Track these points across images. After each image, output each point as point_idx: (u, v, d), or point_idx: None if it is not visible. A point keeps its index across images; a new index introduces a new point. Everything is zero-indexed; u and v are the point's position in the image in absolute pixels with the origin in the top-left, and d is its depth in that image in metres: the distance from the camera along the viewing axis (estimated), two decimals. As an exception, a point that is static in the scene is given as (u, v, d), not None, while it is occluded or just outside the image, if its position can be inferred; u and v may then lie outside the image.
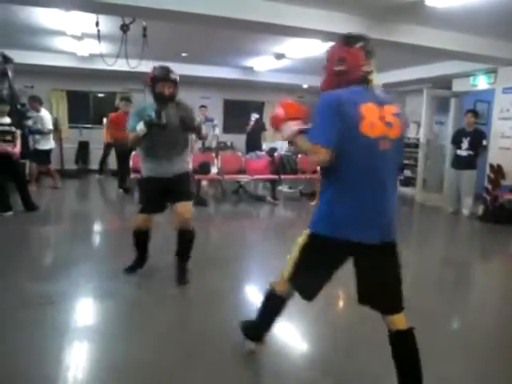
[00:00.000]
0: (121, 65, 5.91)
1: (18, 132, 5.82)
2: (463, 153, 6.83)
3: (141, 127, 3.01)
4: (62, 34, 6.70)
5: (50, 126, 7.55)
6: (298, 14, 5.08)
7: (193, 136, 8.96)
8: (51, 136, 7.68)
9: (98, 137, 10.07)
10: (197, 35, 6.73)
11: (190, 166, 3.82)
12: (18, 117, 6.67)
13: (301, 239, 1.95)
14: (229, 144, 10.51)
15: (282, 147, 8.45)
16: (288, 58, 8.11)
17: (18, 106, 7.26)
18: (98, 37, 5.59)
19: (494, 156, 7.16)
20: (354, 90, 1.81)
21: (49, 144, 7.60)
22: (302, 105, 1.98)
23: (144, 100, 8.14)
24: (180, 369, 2.28)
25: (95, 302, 3.14)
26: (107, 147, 8.94)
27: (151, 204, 3.42)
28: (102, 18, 5.48)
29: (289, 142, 2.26)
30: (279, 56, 8.05)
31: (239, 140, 10.42)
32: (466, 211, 6.88)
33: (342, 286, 3.72)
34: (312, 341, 2.73)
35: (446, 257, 5.03)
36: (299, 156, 7.95)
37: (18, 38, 7.27)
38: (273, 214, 6.94)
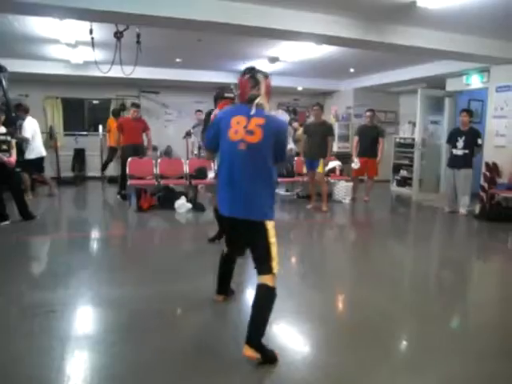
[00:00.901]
0: (115, 71, 5.90)
1: (14, 141, 5.81)
2: (459, 152, 6.86)
3: None
4: (56, 42, 6.71)
5: (27, 134, 7.06)
6: (291, 17, 5.11)
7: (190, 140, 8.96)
8: (36, 145, 7.30)
9: (93, 144, 10.09)
10: (190, 41, 6.75)
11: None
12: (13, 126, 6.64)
13: None
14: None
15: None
16: (282, 61, 8.14)
17: (13, 115, 7.23)
18: (92, 44, 5.60)
19: (489, 154, 7.20)
20: (238, 106, 2.57)
21: (33, 153, 7.23)
22: None
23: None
24: (180, 377, 2.28)
25: (96, 311, 3.13)
26: (112, 152, 8.97)
27: None
28: (96, 26, 5.49)
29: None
30: (273, 59, 8.08)
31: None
32: (463, 210, 6.91)
33: (342, 290, 3.73)
34: (313, 343, 2.72)
35: (443, 256, 5.04)
36: (295, 159, 7.97)
37: (12, 47, 7.27)
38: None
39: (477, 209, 6.78)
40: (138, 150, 7.39)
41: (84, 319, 3.02)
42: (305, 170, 7.31)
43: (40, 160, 7.45)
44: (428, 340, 2.75)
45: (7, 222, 5.44)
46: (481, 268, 4.77)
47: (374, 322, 2.99)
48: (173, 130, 10.82)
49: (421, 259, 4.73)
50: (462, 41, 6.02)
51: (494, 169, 7.01)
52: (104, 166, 9.68)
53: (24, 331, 2.69)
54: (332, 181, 8.00)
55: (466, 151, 6.79)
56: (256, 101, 2.45)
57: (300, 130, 7.84)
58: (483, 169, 7.15)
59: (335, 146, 9.45)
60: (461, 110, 7.29)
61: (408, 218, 7.56)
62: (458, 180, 6.88)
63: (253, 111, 2.42)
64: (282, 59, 7.93)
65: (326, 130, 6.81)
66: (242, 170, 2.40)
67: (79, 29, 5.78)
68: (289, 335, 2.80)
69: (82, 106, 10.65)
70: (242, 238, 2.58)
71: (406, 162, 9.26)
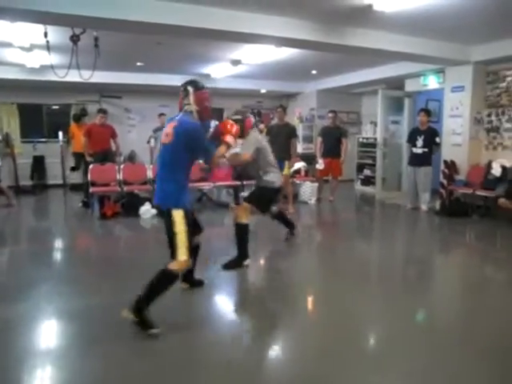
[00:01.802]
0: (74, 76, 5.74)
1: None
2: (418, 150, 7.08)
3: None
4: (9, 45, 6.45)
5: None
6: (251, 20, 5.12)
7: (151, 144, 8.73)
8: None
9: (54, 150, 9.77)
10: (151, 44, 6.65)
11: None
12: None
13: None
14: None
15: (244, 153, 8.44)
16: (245, 64, 8.15)
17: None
18: (48, 48, 5.42)
19: (447, 152, 7.44)
20: (176, 114, 2.99)
21: None
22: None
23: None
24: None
25: (56, 324, 3.02)
26: (78, 157, 8.74)
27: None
28: (51, 29, 5.31)
29: None
30: (235, 62, 8.07)
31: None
32: (424, 206, 7.12)
33: (309, 289, 3.76)
34: (282, 345, 2.72)
35: (407, 251, 5.18)
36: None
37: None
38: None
39: (437, 205, 7.00)
40: (106, 157, 7.28)
41: (44, 333, 2.90)
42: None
43: None
44: (395, 336, 2.80)
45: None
46: (443, 262, 4.92)
47: (341, 320, 3.02)
48: (136, 135, 10.63)
49: (386, 256, 4.83)
50: (417, 43, 6.21)
51: (451, 166, 7.26)
52: (74, 169, 9.26)
53: (-22, 350, 2.57)
54: (297, 182, 8.07)
55: (426, 150, 7.01)
56: (184, 108, 2.90)
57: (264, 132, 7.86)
58: (442, 166, 7.39)
59: (300, 148, 9.54)
60: (419, 109, 7.52)
61: (372, 216, 7.72)
62: (419, 178, 7.09)
63: (178, 117, 2.88)
64: (245, 62, 7.94)
65: (289, 132, 6.85)
66: (159, 166, 2.93)
67: (33, 32, 5.57)
68: (259, 337, 2.79)
69: (41, 112, 10.28)
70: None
71: (369, 161, 9.46)
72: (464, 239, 5.91)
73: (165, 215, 2.82)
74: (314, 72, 9.40)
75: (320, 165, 7.88)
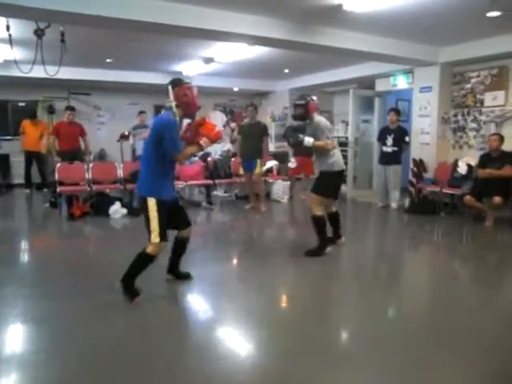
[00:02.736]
0: (40, 72, 5.55)
1: None
2: (388, 149, 7.21)
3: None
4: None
5: None
6: (223, 18, 5.09)
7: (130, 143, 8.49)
8: None
9: (19, 149, 9.44)
10: (121, 40, 6.52)
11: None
12: None
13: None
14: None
15: (216, 152, 8.41)
16: (217, 62, 8.09)
17: None
18: (10, 42, 5.22)
19: (416, 151, 7.61)
20: None
21: None
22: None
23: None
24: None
25: (20, 329, 2.91)
26: (28, 157, 8.54)
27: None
28: (14, 22, 5.13)
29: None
30: (208, 60, 8.01)
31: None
32: (394, 204, 7.26)
33: (280, 288, 3.77)
34: (255, 344, 2.71)
35: (376, 248, 5.27)
36: (233, 160, 7.96)
37: None
38: (209, 219, 6.88)
39: (406, 203, 7.15)
40: (75, 156, 7.10)
41: (6, 339, 2.79)
42: (241, 171, 7.31)
43: None
44: (364, 333, 2.83)
45: None
46: (412, 258, 5.02)
47: (312, 317, 3.03)
48: (106, 133, 10.41)
49: (356, 253, 4.89)
50: (386, 43, 6.31)
51: (420, 165, 7.42)
52: (27, 176, 8.95)
53: None
54: (270, 180, 8.08)
55: (395, 148, 7.14)
56: (165, 105, 3.19)
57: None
58: (411, 165, 7.54)
59: (272, 146, 9.55)
60: (389, 109, 7.66)
61: (344, 214, 7.75)
62: (389, 176, 7.22)
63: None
64: (217, 60, 7.88)
65: (260, 130, 6.85)
66: (141, 159, 3.33)
67: (-5, 25, 5.37)
68: (234, 337, 2.77)
69: (6, 109, 9.92)
70: None
71: (341, 160, 9.54)
72: (432, 236, 6.06)
73: (141, 201, 3.20)
74: (286, 71, 9.43)
75: (292, 163, 7.90)
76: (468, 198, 6.03)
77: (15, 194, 8.95)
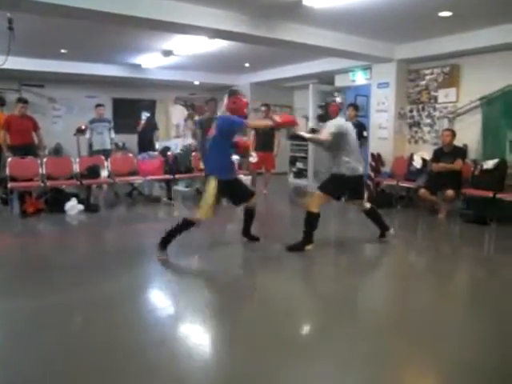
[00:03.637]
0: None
1: None
2: (347, 144, 7.32)
3: None
4: None
5: None
6: (183, 10, 5.02)
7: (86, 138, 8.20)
8: None
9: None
10: (76, 30, 6.28)
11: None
12: None
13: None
14: (121, 145, 10.00)
15: (177, 146, 8.29)
16: (176, 55, 7.96)
17: None
18: (-48, 29, 4.93)
19: (374, 146, 7.80)
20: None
21: None
22: None
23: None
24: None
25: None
26: None
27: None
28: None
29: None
30: (167, 53, 7.86)
31: (131, 140, 9.94)
32: (352, 198, 7.39)
33: (240, 284, 3.77)
34: (224, 342, 2.70)
35: (333, 241, 5.36)
36: (193, 154, 7.87)
37: None
38: (169, 215, 6.78)
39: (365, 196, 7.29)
40: (28, 151, 6.79)
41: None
42: (202, 166, 7.22)
43: None
44: (326, 324, 2.88)
45: None
46: (368, 250, 5.14)
47: (273, 312, 3.05)
48: (63, 127, 10.04)
49: (317, 247, 4.95)
50: (345, 40, 6.42)
51: (378, 159, 7.62)
52: None
53: None
54: (232, 175, 8.05)
55: (354, 143, 7.27)
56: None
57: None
58: (369, 159, 7.73)
59: (234, 141, 9.50)
60: (348, 104, 7.78)
61: (302, 208, 7.88)
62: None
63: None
64: (177, 53, 7.76)
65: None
66: (210, 148, 4.25)
67: None
68: (203, 333, 2.75)
69: (-49, 101, 9.37)
70: None
71: (302, 154, 9.67)
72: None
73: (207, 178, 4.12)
74: (246, 65, 9.41)
75: (253, 158, 7.92)
76: (422, 191, 6.24)
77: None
